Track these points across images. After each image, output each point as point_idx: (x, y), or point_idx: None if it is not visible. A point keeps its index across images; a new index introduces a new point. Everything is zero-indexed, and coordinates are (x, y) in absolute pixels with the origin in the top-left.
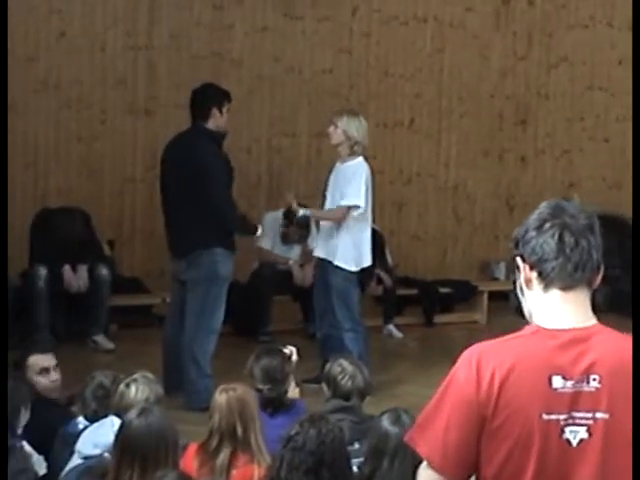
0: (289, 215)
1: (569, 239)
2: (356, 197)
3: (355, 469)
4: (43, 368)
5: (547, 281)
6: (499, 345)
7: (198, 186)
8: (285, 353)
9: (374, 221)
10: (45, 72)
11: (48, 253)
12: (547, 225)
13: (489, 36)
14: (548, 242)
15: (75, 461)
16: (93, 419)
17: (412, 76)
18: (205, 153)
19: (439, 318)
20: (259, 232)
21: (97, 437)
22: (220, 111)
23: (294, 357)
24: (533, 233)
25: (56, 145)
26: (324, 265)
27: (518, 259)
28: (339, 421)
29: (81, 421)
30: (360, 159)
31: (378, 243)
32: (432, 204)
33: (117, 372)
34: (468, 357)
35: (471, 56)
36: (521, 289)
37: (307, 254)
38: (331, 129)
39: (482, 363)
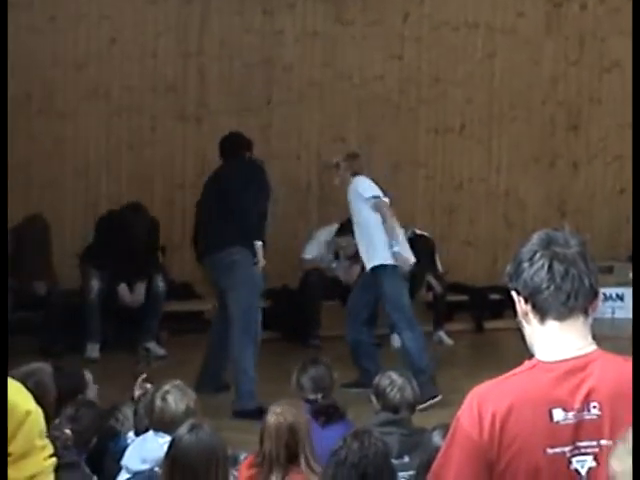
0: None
1: (559, 268)
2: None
3: None
4: None
5: (542, 313)
6: (498, 385)
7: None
8: (328, 361)
9: (424, 226)
10: (95, 79)
11: (108, 258)
12: (537, 256)
13: (540, 41)
14: (539, 273)
15: (123, 476)
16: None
17: (463, 82)
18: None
19: (489, 324)
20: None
21: (144, 452)
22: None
23: None
24: (525, 265)
25: (107, 152)
26: (371, 275)
27: (513, 293)
28: (388, 434)
29: (131, 437)
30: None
31: (428, 249)
32: (483, 210)
33: (170, 380)
34: (469, 401)
35: (522, 61)
36: (521, 323)
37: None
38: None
39: (482, 406)
